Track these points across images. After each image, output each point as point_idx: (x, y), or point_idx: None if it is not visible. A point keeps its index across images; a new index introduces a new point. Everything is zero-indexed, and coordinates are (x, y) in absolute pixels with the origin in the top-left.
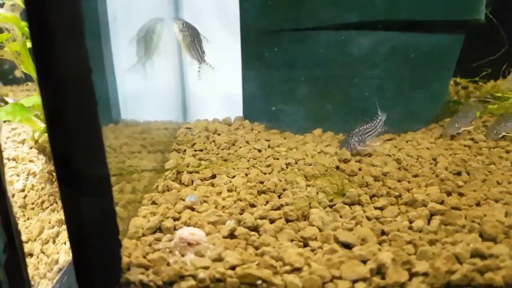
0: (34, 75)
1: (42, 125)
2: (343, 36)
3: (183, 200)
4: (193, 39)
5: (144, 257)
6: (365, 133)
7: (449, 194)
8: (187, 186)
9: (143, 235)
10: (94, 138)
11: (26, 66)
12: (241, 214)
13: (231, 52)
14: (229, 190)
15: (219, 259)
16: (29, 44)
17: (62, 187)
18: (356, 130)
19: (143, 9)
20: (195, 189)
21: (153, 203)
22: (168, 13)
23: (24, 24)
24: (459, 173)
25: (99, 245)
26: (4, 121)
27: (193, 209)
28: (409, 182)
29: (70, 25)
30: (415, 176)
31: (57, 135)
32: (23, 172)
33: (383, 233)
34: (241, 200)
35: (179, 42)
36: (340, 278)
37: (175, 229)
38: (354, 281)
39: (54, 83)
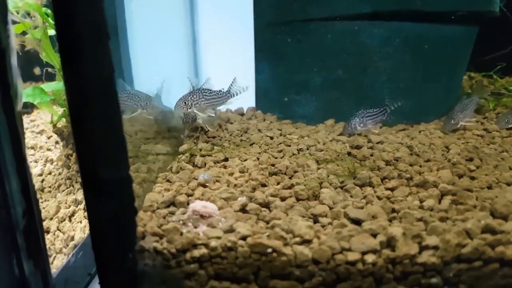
0: (54, 62)
1: (60, 110)
2: (356, 26)
3: (196, 179)
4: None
5: (159, 227)
6: (367, 116)
7: (460, 176)
8: (200, 168)
9: (158, 208)
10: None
11: (47, 53)
12: (252, 192)
13: (244, 43)
14: (241, 172)
15: (230, 230)
16: (49, 32)
17: (80, 158)
18: (359, 112)
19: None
20: (208, 170)
21: (168, 181)
22: (184, 6)
23: (45, 10)
24: (471, 159)
25: (115, 213)
26: (23, 114)
27: (205, 186)
28: (420, 166)
29: (95, 30)
30: (427, 161)
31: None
32: (41, 159)
33: (393, 211)
34: (252, 180)
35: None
36: (349, 250)
37: (188, 204)
38: (364, 253)
39: (79, 87)
